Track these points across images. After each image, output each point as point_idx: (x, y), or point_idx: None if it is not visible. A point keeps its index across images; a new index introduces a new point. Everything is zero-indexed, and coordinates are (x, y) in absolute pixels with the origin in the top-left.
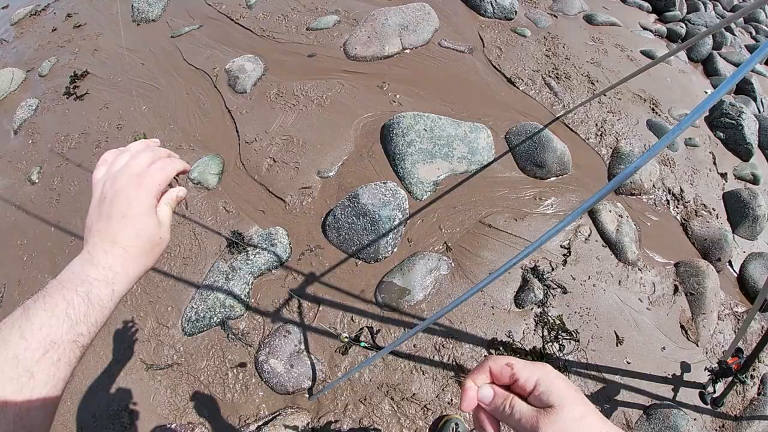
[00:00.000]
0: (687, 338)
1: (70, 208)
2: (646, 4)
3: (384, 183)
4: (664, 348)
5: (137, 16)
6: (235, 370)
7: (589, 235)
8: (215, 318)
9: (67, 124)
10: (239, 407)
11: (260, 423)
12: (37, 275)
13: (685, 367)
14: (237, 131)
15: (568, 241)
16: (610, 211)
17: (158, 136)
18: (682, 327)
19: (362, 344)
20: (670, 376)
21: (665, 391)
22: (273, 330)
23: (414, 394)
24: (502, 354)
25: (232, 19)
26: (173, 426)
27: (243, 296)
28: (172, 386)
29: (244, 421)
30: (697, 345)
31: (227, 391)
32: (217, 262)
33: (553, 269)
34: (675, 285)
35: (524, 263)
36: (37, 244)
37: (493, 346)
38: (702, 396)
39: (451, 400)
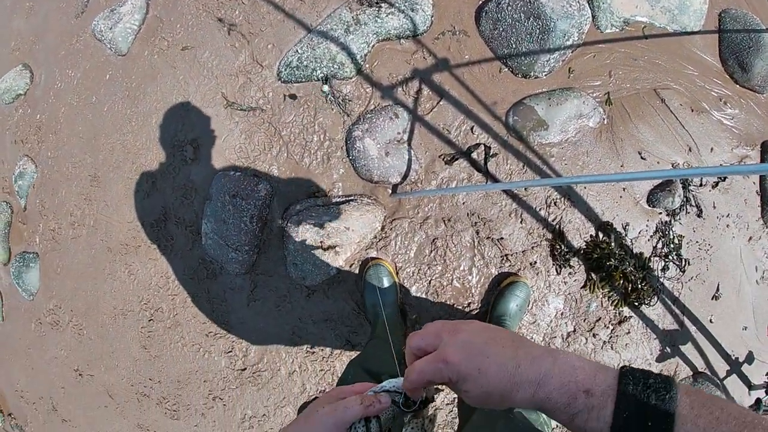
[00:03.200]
0: None
1: None
2: None
3: None
4: (746, 328)
5: None
6: (322, 136)
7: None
8: (319, 71)
9: None
10: (313, 176)
11: (331, 201)
12: None
13: (750, 358)
14: None
15: (729, 164)
16: None
17: None
18: None
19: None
20: (733, 358)
21: (721, 368)
22: (379, 107)
23: (502, 238)
24: (606, 245)
25: None
26: (236, 174)
27: (359, 57)
28: (248, 132)
29: (314, 192)
30: None
31: (306, 156)
32: (341, 9)
33: (701, 185)
34: None
35: (677, 161)
36: None
37: (604, 230)
38: (758, 403)
39: (535, 262)
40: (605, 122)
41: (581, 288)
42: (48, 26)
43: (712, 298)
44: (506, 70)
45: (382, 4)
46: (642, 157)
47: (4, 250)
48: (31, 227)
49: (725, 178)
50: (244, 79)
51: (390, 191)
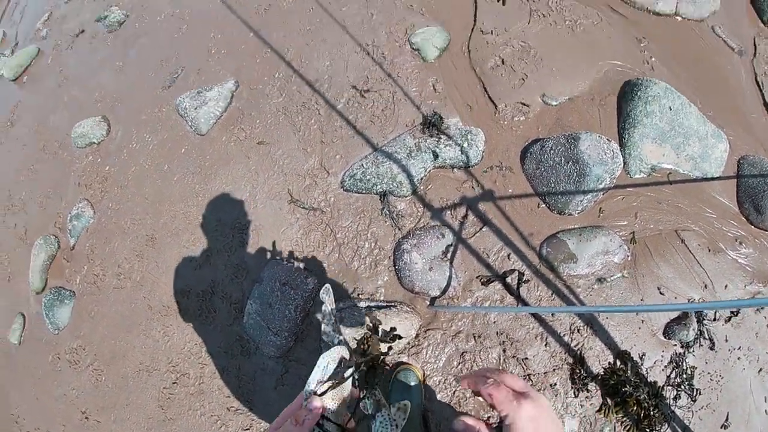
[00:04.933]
0: None
1: (277, 21)
2: None
3: (609, 141)
4: None
5: None
6: (373, 244)
7: (762, 308)
8: (379, 186)
9: None
10: (359, 280)
11: (372, 304)
12: (219, 71)
13: None
14: (475, 16)
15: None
16: None
17: None
18: None
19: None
20: None
21: None
22: (428, 226)
23: (527, 358)
24: (623, 372)
25: None
26: (288, 264)
27: (416, 179)
28: (305, 228)
29: (358, 294)
30: None
31: (355, 260)
32: (405, 135)
33: (715, 319)
34: None
35: (693, 297)
36: (229, 43)
37: (622, 359)
38: None
39: (555, 383)
40: (629, 259)
41: (596, 411)
42: (134, 89)
43: (721, 428)
44: (544, 206)
45: (442, 136)
46: (661, 293)
47: (41, 279)
48: (75, 267)
49: (738, 312)
50: (310, 181)
51: (428, 303)
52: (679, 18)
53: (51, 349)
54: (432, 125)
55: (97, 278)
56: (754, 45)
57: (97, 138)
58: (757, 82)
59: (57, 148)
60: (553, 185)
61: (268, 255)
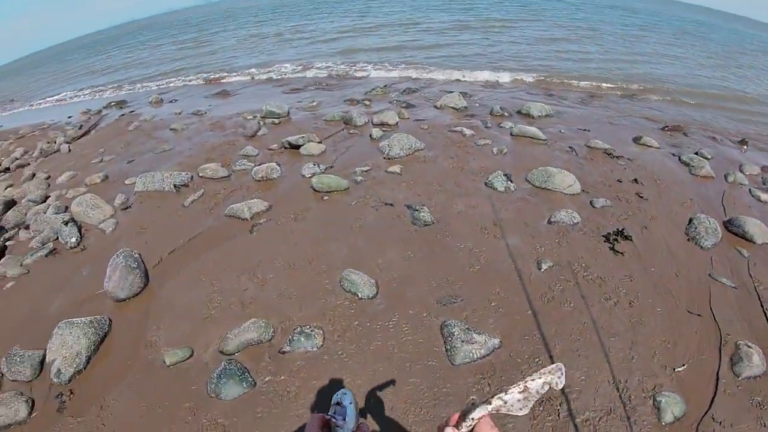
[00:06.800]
0: None
1: (555, 316)
2: None
3: None
4: None
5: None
6: None
7: None
8: None
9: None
10: None
11: None
12: (491, 323)
13: None
14: (712, 401)
15: None
16: None
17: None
18: None
19: None
20: None
21: None
22: None
23: None
24: None
25: None
26: None
27: None
28: None
29: None
30: None
31: None
32: None
33: None
34: None
35: None
36: (508, 306)
37: None
38: None
39: None
40: None
41: None
42: (413, 281)
43: None
44: None
45: None
46: None
47: (235, 348)
48: (273, 368)
49: None
50: None
51: None
52: None
53: (192, 398)
54: None
55: (286, 393)
56: None
57: (361, 294)
58: None
59: (322, 270)
60: None
61: None
